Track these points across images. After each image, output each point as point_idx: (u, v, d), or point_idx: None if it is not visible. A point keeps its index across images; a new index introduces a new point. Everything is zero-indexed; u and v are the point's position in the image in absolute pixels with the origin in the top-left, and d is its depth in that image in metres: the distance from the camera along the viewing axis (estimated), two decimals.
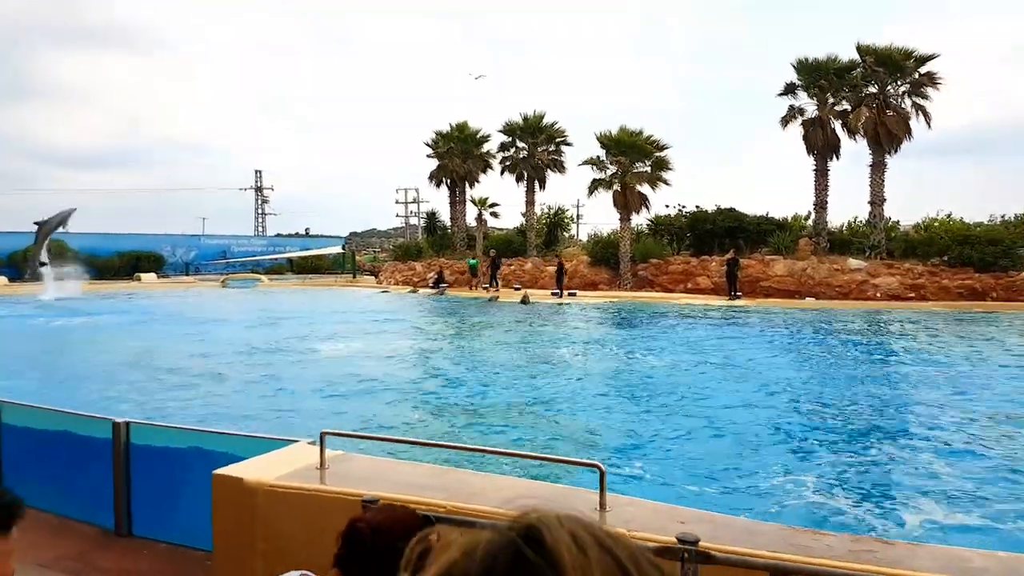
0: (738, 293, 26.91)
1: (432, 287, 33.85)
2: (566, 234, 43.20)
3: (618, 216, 32.16)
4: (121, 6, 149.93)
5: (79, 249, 41.12)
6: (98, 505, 5.37)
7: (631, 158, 31.74)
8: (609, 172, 32.24)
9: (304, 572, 1.59)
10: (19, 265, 38.56)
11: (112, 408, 8.25)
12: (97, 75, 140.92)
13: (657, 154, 31.98)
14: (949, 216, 30.13)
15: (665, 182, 32.10)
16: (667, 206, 34.57)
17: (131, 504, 5.30)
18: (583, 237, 46.34)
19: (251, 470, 4.08)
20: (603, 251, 33.03)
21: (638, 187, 31.91)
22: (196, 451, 5.04)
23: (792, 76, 30.38)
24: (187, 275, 45.56)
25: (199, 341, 16.72)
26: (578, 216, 55.50)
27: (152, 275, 41.07)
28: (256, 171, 68.32)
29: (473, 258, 35.52)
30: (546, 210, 40.76)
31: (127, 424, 5.32)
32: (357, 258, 52.40)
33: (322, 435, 4.13)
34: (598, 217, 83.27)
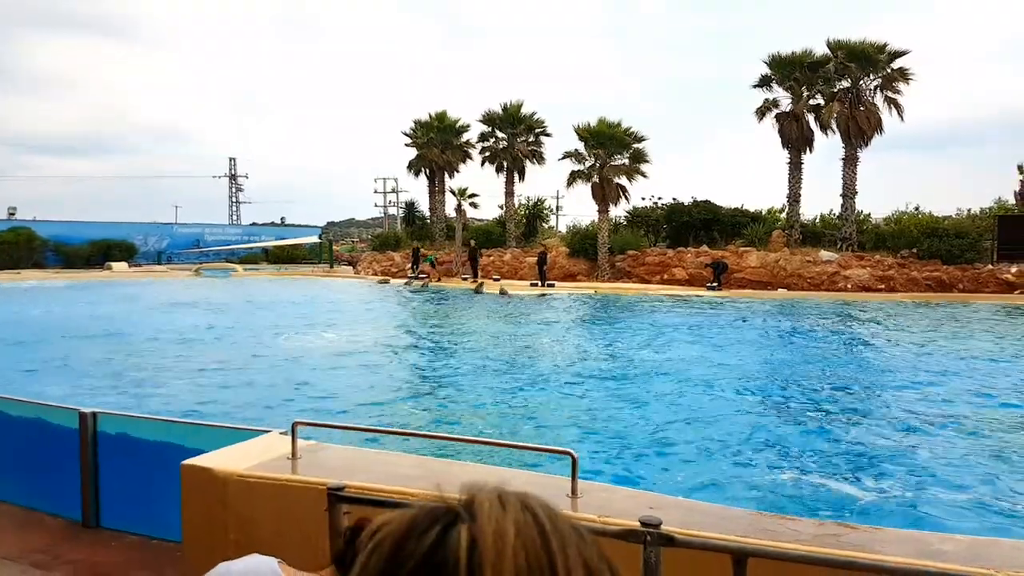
0: (716, 285, 27.22)
1: (411, 274, 33.34)
2: (545, 225, 43.24)
3: (596, 208, 32.31)
4: None
5: (48, 237, 40.46)
6: (65, 497, 5.30)
7: (609, 150, 31.80)
8: (588, 164, 32.30)
9: (271, 557, 1.57)
10: None
11: None
12: (68, 61, 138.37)
13: (635, 145, 32.08)
14: (918, 209, 30.70)
15: (643, 174, 32.27)
16: (643, 198, 34.85)
17: (99, 495, 5.23)
18: (562, 228, 46.44)
19: (221, 460, 4.05)
20: (582, 242, 33.16)
21: (616, 179, 32.03)
22: (165, 441, 4.98)
23: (766, 70, 30.65)
24: (159, 264, 44.96)
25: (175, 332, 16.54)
26: (557, 207, 55.62)
27: (124, 264, 40.48)
28: (230, 159, 67.62)
29: (431, 254, 35.05)
30: (525, 201, 40.81)
31: (94, 414, 5.24)
32: (335, 248, 52.04)
33: (294, 425, 4.10)
34: (577, 208, 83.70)
